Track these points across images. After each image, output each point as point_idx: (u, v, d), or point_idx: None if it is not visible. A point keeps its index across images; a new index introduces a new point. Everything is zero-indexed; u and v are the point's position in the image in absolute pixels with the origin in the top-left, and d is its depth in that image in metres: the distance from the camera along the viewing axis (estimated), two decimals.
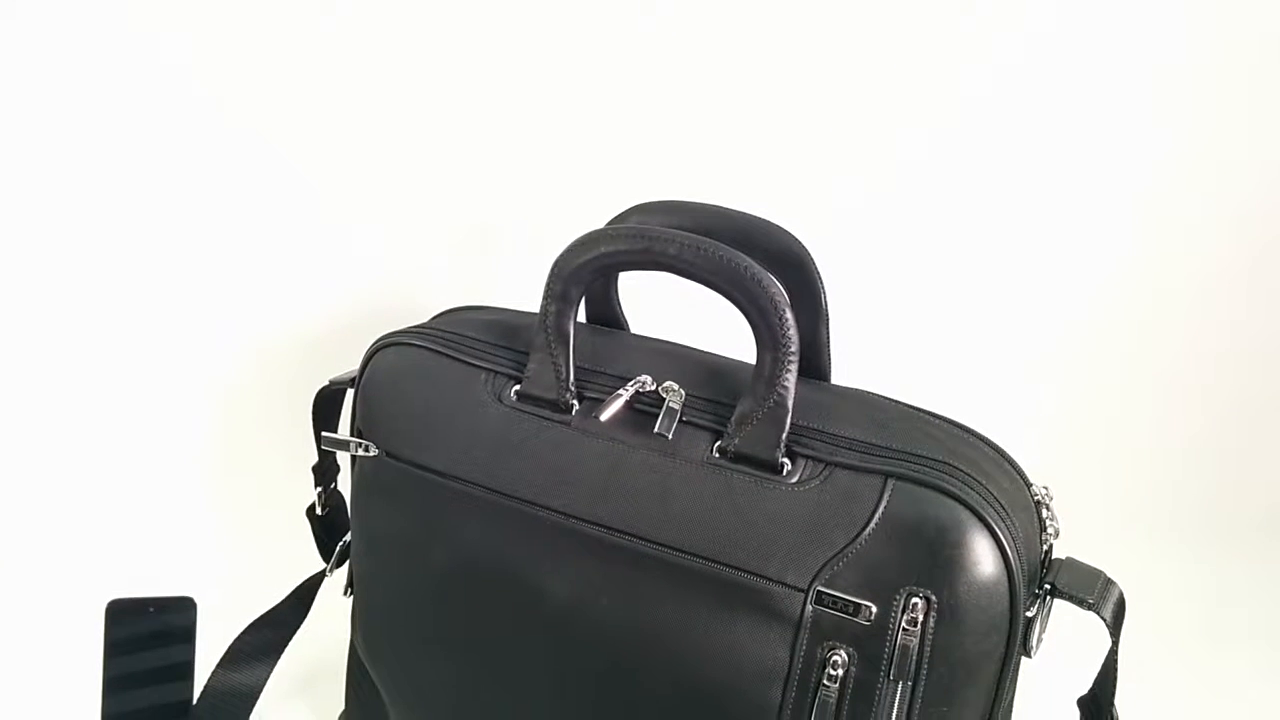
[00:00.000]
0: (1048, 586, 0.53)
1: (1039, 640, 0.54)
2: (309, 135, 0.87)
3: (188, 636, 0.72)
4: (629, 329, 0.68)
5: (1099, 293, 1.04)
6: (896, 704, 0.52)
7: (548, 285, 0.60)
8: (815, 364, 0.60)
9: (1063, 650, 0.60)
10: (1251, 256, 1.05)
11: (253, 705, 0.72)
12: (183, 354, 0.92)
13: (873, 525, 0.52)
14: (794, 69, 0.91)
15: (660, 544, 0.55)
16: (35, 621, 0.86)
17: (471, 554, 0.61)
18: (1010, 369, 1.02)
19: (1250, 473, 1.10)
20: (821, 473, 0.54)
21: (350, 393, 0.69)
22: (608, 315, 0.68)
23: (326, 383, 0.70)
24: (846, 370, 0.62)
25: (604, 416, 0.58)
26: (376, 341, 0.66)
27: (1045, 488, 0.56)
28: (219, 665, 0.72)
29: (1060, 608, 0.55)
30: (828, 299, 0.60)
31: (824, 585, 0.52)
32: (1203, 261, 1.04)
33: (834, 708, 0.52)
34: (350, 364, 0.70)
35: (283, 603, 0.75)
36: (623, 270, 0.60)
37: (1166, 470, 1.07)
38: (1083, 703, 0.56)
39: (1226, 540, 1.05)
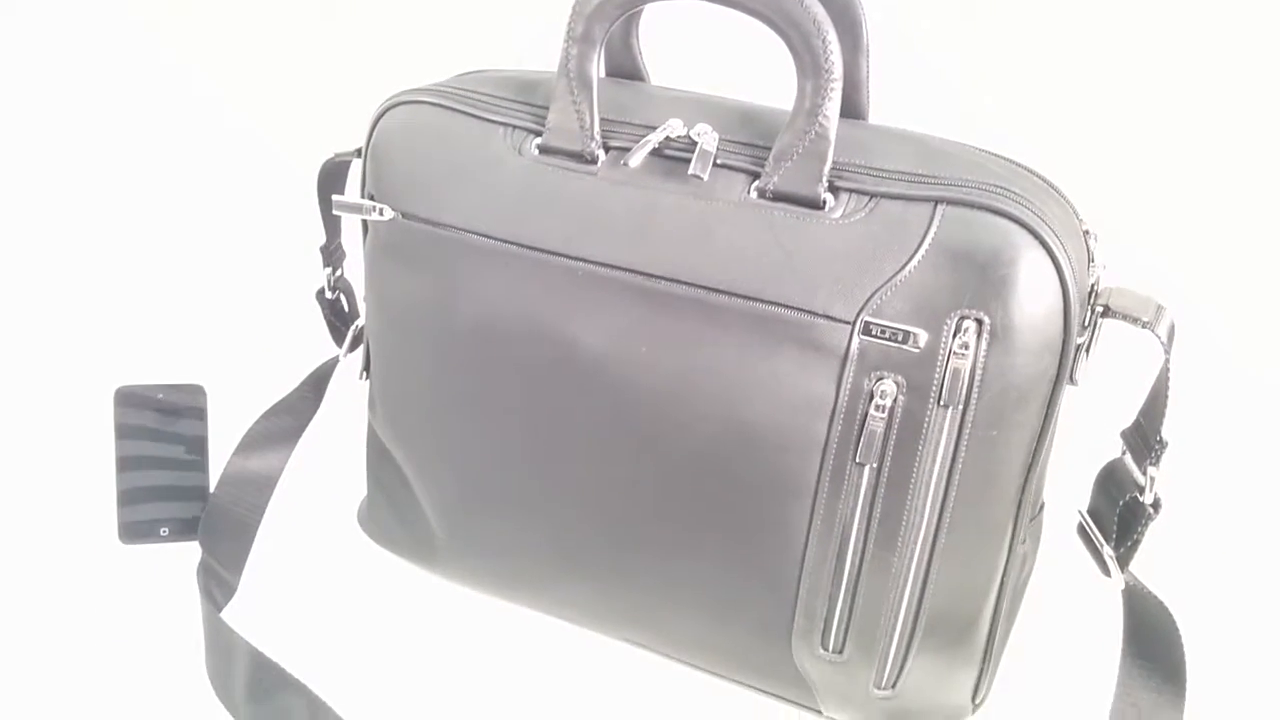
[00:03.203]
0: (1101, 308, 0.52)
1: (1086, 369, 0.54)
2: None
3: (199, 423, 0.71)
4: (650, 81, 0.65)
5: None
6: (945, 431, 0.51)
7: (569, 27, 0.56)
8: (854, 101, 0.57)
9: (1102, 392, 0.60)
10: None
11: (270, 492, 0.71)
12: (185, 143, 0.89)
13: (922, 252, 0.50)
14: None
15: (699, 285, 0.54)
16: (45, 413, 0.84)
17: (498, 311, 0.59)
18: (1058, 112, 0.97)
19: None
20: (867, 205, 0.52)
21: (357, 163, 0.65)
22: (628, 66, 0.64)
23: (330, 155, 0.67)
24: (884, 110, 0.59)
25: (633, 163, 0.56)
26: (385, 101, 0.63)
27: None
28: (235, 453, 0.71)
29: (1103, 350, 0.55)
30: (869, 30, 0.57)
31: (871, 315, 0.51)
32: None
33: (881, 438, 0.52)
34: (354, 140, 0.66)
35: (296, 390, 0.73)
36: (650, 1, 0.57)
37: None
38: (1126, 434, 0.56)
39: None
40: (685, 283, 0.54)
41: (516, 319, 0.58)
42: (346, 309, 0.73)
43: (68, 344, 0.92)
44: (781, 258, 0.53)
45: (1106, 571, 0.56)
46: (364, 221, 0.65)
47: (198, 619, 0.63)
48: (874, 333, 0.51)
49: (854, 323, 0.51)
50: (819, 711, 0.61)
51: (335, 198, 0.64)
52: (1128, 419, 0.57)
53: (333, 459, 0.77)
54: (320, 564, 0.72)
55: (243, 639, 0.61)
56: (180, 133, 0.96)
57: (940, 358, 0.50)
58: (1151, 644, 0.56)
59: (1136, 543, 0.55)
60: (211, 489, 0.71)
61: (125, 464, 0.69)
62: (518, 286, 0.58)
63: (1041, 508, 0.62)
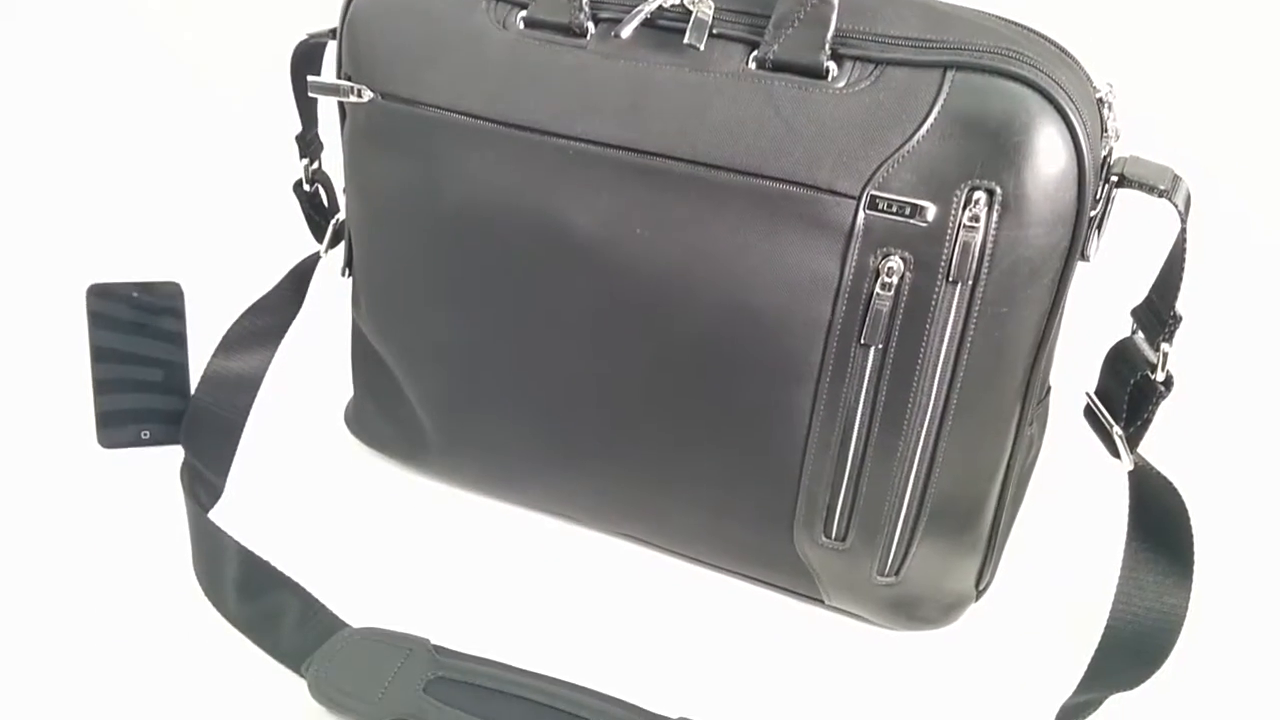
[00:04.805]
0: (1115, 178, 0.50)
1: (1097, 246, 0.52)
2: None
3: (177, 322, 0.68)
4: None
5: None
6: (954, 308, 0.49)
7: None
8: None
9: (1107, 276, 0.58)
10: None
11: (254, 394, 0.69)
12: (154, 33, 0.85)
13: (931, 120, 0.48)
14: None
15: (696, 162, 0.51)
16: (15, 313, 0.82)
17: (486, 195, 0.56)
18: None
19: None
20: (872, 73, 0.50)
21: (332, 45, 0.62)
22: None
23: (304, 37, 0.64)
24: None
25: (624, 34, 0.53)
26: None
27: (1110, 85, 0.52)
28: (215, 354, 0.68)
29: (1110, 236, 0.53)
30: None
31: (877, 189, 0.49)
32: None
33: (887, 318, 0.50)
34: (328, 21, 0.63)
35: (276, 288, 0.70)
36: None
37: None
38: (1137, 311, 0.54)
39: None
40: (682, 160, 0.51)
41: (505, 203, 0.56)
42: (326, 203, 0.71)
43: (38, 242, 0.89)
44: (782, 131, 0.50)
45: (1115, 453, 0.55)
46: (341, 106, 0.62)
47: (183, 522, 0.62)
48: (880, 207, 0.49)
49: (859, 197, 0.49)
50: (821, 601, 0.60)
51: (311, 79, 0.60)
52: (1133, 303, 0.55)
53: (317, 360, 0.75)
54: (308, 468, 0.70)
55: (232, 539, 0.59)
56: (150, 24, 0.92)
57: (949, 232, 0.48)
58: (1158, 526, 0.55)
59: (1147, 422, 0.54)
60: (192, 390, 0.68)
61: (101, 368, 0.67)
62: (505, 169, 0.55)
63: (1048, 391, 0.60)
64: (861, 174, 0.49)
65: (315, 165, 0.69)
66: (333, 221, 0.69)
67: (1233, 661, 0.59)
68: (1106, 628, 0.55)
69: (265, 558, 0.59)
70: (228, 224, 0.89)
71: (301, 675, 0.53)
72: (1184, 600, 0.55)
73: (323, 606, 0.57)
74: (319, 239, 0.70)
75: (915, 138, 0.48)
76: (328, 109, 0.65)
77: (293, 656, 0.55)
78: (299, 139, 0.67)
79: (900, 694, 0.56)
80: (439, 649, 0.54)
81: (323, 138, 0.69)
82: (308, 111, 0.66)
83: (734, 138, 0.51)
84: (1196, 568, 0.55)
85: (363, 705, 0.52)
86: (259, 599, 0.58)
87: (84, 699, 0.53)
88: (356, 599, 0.58)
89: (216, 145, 0.94)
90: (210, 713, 0.53)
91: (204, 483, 0.64)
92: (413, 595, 0.60)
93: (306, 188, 0.69)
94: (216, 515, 0.63)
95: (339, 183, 0.67)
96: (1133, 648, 0.55)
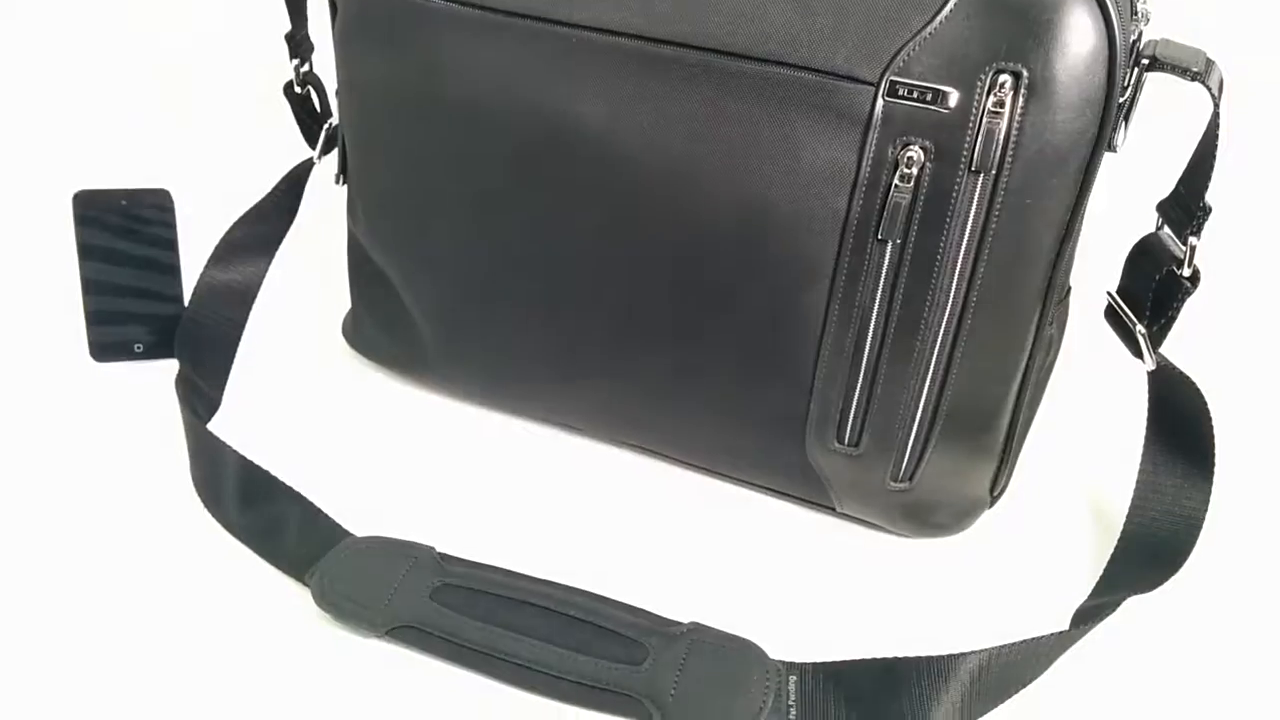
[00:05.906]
0: (1145, 61, 0.48)
1: (1124, 137, 0.50)
2: None
3: (167, 231, 0.66)
4: None
5: None
6: (975, 200, 0.47)
7: None
8: None
9: (1130, 174, 0.56)
10: None
11: (250, 306, 0.67)
12: None
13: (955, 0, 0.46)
14: None
15: (707, 49, 0.49)
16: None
17: (485, 89, 0.54)
18: None
19: None
20: None
21: None
22: None
23: None
24: None
25: None
26: None
27: None
28: (208, 264, 0.66)
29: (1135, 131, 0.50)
30: None
31: (897, 74, 0.46)
32: None
33: (906, 211, 0.48)
34: None
35: (270, 195, 0.68)
36: None
37: None
38: (1163, 205, 0.53)
39: None
40: (691, 46, 0.49)
41: (505, 97, 0.53)
42: (318, 107, 0.68)
43: (24, 149, 0.86)
44: (797, 13, 0.47)
45: (1137, 352, 0.54)
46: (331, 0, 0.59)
47: (180, 435, 0.60)
48: (900, 94, 0.46)
49: (878, 84, 0.47)
50: (833, 508, 0.59)
51: None
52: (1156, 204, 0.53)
53: (314, 272, 0.73)
54: (306, 381, 0.68)
55: (232, 449, 0.58)
56: None
57: (973, 119, 0.46)
58: (1179, 427, 0.54)
59: (1171, 320, 0.52)
60: (185, 302, 0.67)
61: (90, 278, 0.65)
62: (506, 60, 0.53)
63: (1068, 292, 0.59)
64: (880, 59, 0.47)
65: (306, 67, 0.67)
66: (325, 127, 0.67)
67: (1252, 564, 0.58)
68: (1123, 531, 0.54)
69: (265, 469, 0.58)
70: (217, 129, 0.86)
71: (305, 583, 0.53)
72: (1203, 503, 0.54)
73: (325, 516, 0.56)
74: (311, 145, 0.68)
75: (938, 18, 0.46)
76: (318, 6, 0.63)
77: (296, 565, 0.54)
78: (288, 38, 0.65)
79: (913, 601, 0.56)
80: (444, 556, 0.53)
81: (314, 40, 0.67)
82: (296, 7, 0.64)
83: (746, 22, 0.48)
84: (1217, 470, 0.54)
85: (368, 612, 0.51)
86: (260, 509, 0.56)
87: (87, 613, 0.52)
88: (358, 509, 0.57)
89: (203, 46, 0.90)
90: (214, 621, 0.52)
91: (200, 395, 0.63)
92: (415, 505, 0.59)
93: (297, 90, 0.67)
94: (214, 428, 0.61)
95: (331, 85, 0.64)
96: (1150, 551, 0.54)
